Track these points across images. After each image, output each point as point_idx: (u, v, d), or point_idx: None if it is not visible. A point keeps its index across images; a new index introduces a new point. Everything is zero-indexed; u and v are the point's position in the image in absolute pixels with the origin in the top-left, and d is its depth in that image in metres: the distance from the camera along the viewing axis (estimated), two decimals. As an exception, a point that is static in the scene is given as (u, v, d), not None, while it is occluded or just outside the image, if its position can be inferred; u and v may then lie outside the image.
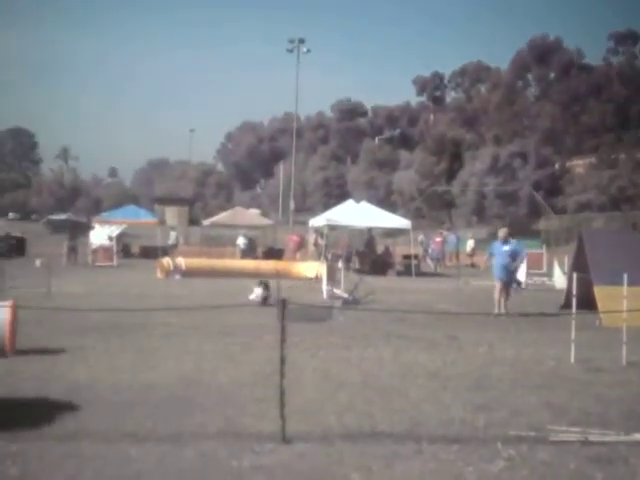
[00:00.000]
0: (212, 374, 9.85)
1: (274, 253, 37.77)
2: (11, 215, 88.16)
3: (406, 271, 32.26)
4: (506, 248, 18.09)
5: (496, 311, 17.39)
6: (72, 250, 35.98)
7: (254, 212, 50.52)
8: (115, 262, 35.20)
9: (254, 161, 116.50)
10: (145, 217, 47.26)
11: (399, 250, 37.28)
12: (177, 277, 27.48)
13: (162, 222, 47.83)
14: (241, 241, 37.35)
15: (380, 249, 36.10)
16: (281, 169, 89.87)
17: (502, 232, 18.72)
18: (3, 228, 37.72)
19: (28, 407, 8.03)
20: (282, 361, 7.15)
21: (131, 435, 6.95)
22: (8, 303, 11.52)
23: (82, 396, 8.34)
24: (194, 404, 8.22)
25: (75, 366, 10.26)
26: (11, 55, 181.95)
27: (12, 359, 10.63)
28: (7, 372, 9.77)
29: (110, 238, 36.16)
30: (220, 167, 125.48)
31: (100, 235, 36.46)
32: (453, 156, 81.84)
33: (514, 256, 18.11)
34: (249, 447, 6.72)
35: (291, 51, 63.28)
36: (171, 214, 58.10)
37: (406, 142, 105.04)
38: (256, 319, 14.83)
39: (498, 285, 17.83)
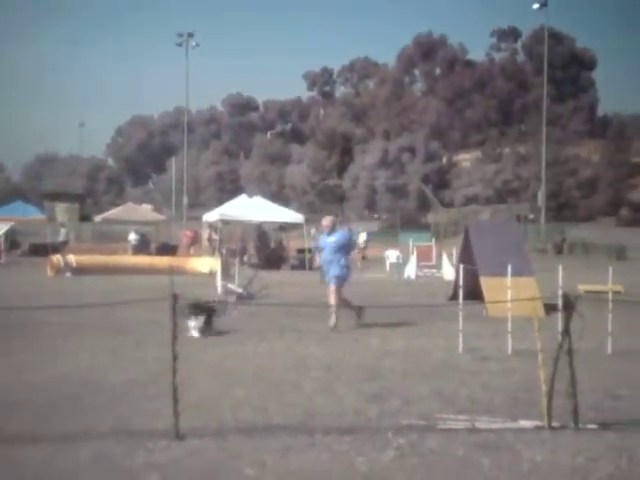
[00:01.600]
0: (103, 373, 9.69)
1: (168, 249, 37.38)
2: None
3: (300, 265, 32.42)
4: (332, 240, 14.55)
5: (332, 322, 13.99)
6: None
7: (146, 208, 49.95)
8: (2, 260, 34.21)
9: (145, 156, 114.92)
10: (34, 214, 46.02)
11: (293, 244, 37.44)
12: (68, 274, 26.92)
13: (52, 219, 46.69)
14: (133, 237, 36.88)
15: (274, 243, 36.19)
16: (173, 164, 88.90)
17: (326, 220, 14.91)
18: None
19: None
20: (174, 357, 7.10)
21: (12, 437, 6.78)
22: None
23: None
24: (84, 404, 8.07)
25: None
26: None
27: None
28: None
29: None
30: (111, 162, 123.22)
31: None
32: (344, 150, 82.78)
33: (343, 248, 14.60)
34: (142, 445, 6.65)
35: (180, 45, 62.69)
36: (61, 210, 56.71)
37: (297, 136, 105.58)
38: (150, 316, 14.64)
39: (331, 287, 14.33)
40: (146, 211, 46.30)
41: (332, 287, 14.24)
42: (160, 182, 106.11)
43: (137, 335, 12.80)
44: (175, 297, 7.56)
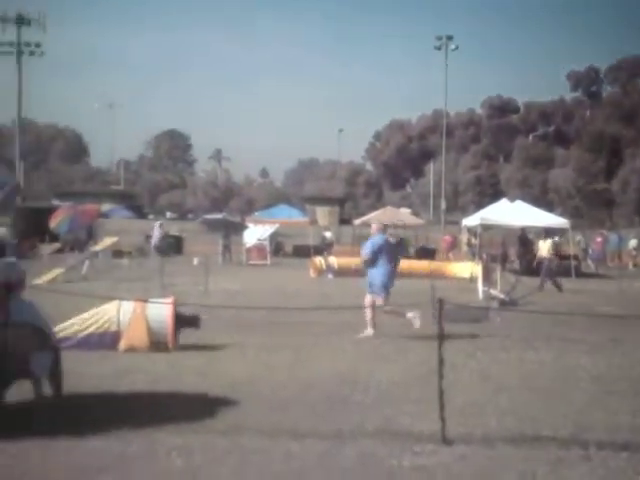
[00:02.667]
0: (368, 373, 9.80)
1: (427, 252, 37.47)
2: (168, 215, 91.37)
3: (565, 272, 31.26)
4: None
5: None
6: (227, 249, 36.94)
7: (405, 211, 50.39)
8: (269, 261, 35.88)
9: (403, 160, 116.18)
10: (297, 217, 47.95)
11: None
12: (330, 276, 27.71)
13: (313, 222, 48.41)
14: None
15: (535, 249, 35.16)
16: (431, 168, 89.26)
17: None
18: (162, 227, 39.12)
19: (190, 401, 8.24)
20: (440, 362, 7.01)
21: (291, 432, 6.98)
22: (169, 300, 11.92)
23: (241, 392, 8.48)
24: (351, 402, 8.20)
25: (233, 362, 10.47)
26: (161, 58, 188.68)
27: (174, 354, 10.97)
28: (169, 366, 10.08)
29: (261, 239, 36.89)
30: (369, 166, 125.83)
31: (254, 234, 37.26)
32: (612, 153, 78.99)
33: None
34: (409, 447, 6.61)
35: (439, 48, 62.68)
36: (322, 213, 58.78)
37: (561, 139, 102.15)
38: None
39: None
40: (405, 215, 46.71)
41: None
42: (418, 186, 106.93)
43: (399, 337, 12.84)
44: (441, 302, 7.46)
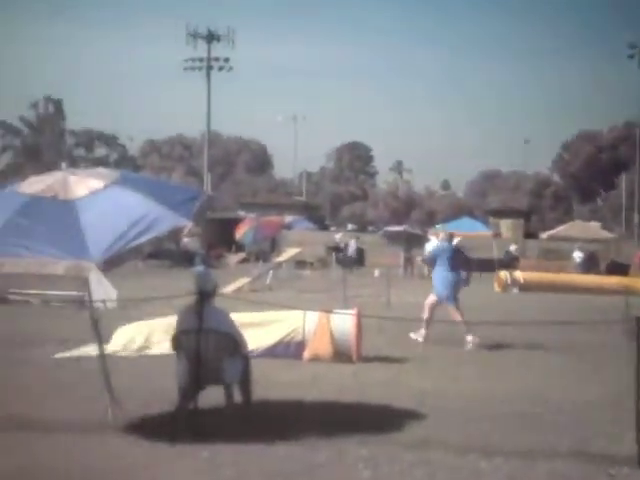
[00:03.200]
0: (560, 391, 9.46)
1: (619, 268, 35.83)
2: (349, 226, 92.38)
3: None
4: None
5: None
6: (408, 261, 36.84)
7: (595, 225, 48.50)
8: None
9: (593, 172, 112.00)
10: (480, 229, 47.14)
11: None
12: (515, 291, 27.06)
13: (497, 235, 47.45)
14: (577, 255, 36.00)
15: None
16: (623, 180, 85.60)
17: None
18: (343, 239, 39.58)
19: (376, 412, 8.23)
20: (638, 382, 6.62)
21: (480, 448, 6.80)
22: (353, 311, 11.96)
23: (428, 405, 8.38)
24: (543, 421, 7.93)
25: (419, 375, 10.39)
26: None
27: (358, 365, 10.99)
28: (354, 377, 10.13)
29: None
30: (556, 178, 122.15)
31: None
32: None
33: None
34: (603, 470, 6.30)
35: (632, 57, 60.14)
36: (506, 226, 57.57)
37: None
38: (601, 337, 14.04)
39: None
40: (594, 229, 44.95)
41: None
42: (609, 199, 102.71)
43: (591, 356, 12.30)
44: (638, 320, 7.05)
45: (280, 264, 29.64)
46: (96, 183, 7.16)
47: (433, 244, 37.01)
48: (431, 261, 14.82)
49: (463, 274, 14.25)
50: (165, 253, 30.70)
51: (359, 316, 11.58)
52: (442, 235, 15.63)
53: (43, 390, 8.93)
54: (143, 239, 6.73)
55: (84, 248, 6.47)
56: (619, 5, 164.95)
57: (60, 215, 6.85)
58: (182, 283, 17.78)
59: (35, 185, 7.32)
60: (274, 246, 36.28)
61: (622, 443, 6.93)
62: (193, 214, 7.13)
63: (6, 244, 6.66)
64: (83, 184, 7.15)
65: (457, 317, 13.42)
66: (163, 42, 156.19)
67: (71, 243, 6.56)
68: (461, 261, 14.53)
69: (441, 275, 13.93)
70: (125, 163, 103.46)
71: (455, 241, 38.95)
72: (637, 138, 63.98)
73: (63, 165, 7.65)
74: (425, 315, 13.67)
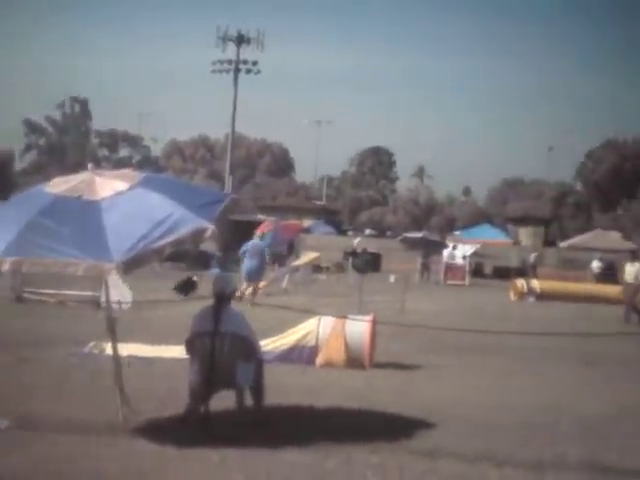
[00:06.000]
0: (573, 403, 9.42)
1: (638, 279, 35.57)
2: (368, 231, 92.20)
3: None
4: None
5: None
6: (425, 268, 36.81)
7: (615, 235, 48.14)
8: (467, 281, 35.40)
9: (616, 181, 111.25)
10: (499, 237, 47.00)
11: None
12: (531, 300, 26.95)
13: (516, 242, 47.24)
14: (595, 265, 35.79)
15: None
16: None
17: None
18: (360, 244, 39.53)
19: (387, 420, 8.22)
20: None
21: (490, 457, 6.79)
22: (368, 317, 11.93)
23: (439, 413, 8.36)
24: (554, 432, 7.89)
25: (431, 383, 10.38)
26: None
27: (370, 372, 10.98)
28: (366, 384, 10.12)
29: (464, 257, 36.50)
30: (579, 187, 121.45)
31: (453, 254, 36.85)
32: None
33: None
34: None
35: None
36: (525, 234, 57.28)
37: None
38: (618, 348, 13.97)
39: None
40: (615, 238, 44.63)
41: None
42: (631, 208, 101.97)
43: (607, 368, 12.24)
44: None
45: (297, 268, 29.66)
46: (121, 185, 7.19)
47: (452, 251, 37.12)
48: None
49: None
50: (182, 255, 30.79)
51: (374, 322, 11.57)
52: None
53: (55, 390, 8.99)
54: (165, 241, 6.75)
55: (105, 249, 6.50)
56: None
57: (84, 215, 6.89)
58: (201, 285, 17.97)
59: (62, 185, 7.36)
60: (292, 250, 36.29)
61: (633, 456, 6.91)
62: (216, 217, 7.15)
63: (29, 244, 6.69)
64: (108, 185, 7.19)
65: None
66: (191, 43, 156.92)
67: (93, 244, 6.59)
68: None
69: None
70: (148, 164, 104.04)
71: (472, 249, 39.01)
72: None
73: (90, 166, 7.67)
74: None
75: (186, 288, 18.79)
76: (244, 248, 21.21)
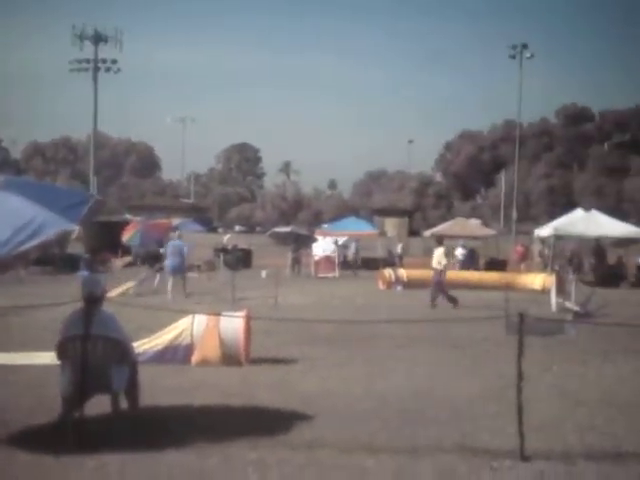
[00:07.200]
0: (443, 387, 9.72)
1: (497, 264, 36.93)
2: (237, 228, 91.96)
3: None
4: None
5: None
6: (296, 261, 37.06)
7: (475, 222, 49.77)
8: (337, 273, 35.84)
9: (474, 171, 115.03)
10: (366, 228, 47.70)
11: (632, 261, 35.38)
12: (399, 288, 27.51)
13: (382, 233, 48.13)
14: (460, 252, 36.92)
15: (612, 260, 34.41)
16: (502, 178, 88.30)
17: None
18: (231, 240, 39.37)
19: (264, 415, 8.26)
20: (520, 376, 6.89)
21: (366, 447, 6.94)
22: (242, 313, 11.93)
23: (315, 406, 8.47)
24: (427, 417, 8.12)
25: (307, 376, 10.47)
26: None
27: (247, 368, 10.99)
28: (243, 381, 10.13)
29: (337, 245, 37.21)
30: (439, 177, 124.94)
31: (322, 247, 37.26)
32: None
33: None
34: (486, 463, 6.52)
35: (513, 57, 62.00)
36: (391, 225, 58.36)
37: (637, 147, 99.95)
38: (482, 332, 14.49)
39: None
40: (475, 226, 46.13)
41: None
42: (489, 197, 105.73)
43: (473, 351, 12.69)
44: (522, 315, 7.33)
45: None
46: (-21, 189, 6.95)
47: (321, 244, 37.56)
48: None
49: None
50: (49, 259, 29.89)
51: (248, 318, 11.59)
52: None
53: None
54: (29, 245, 6.57)
55: None
56: (500, 8, 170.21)
57: None
58: (67, 289, 17.48)
59: None
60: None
61: (503, 436, 7.17)
62: (81, 218, 7.00)
63: None
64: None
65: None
66: (48, 43, 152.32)
67: None
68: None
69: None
70: (7, 167, 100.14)
71: (341, 241, 39.73)
72: (517, 138, 65.99)
73: (-58, 172, 7.37)
74: None
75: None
76: (165, 248, 24.05)
